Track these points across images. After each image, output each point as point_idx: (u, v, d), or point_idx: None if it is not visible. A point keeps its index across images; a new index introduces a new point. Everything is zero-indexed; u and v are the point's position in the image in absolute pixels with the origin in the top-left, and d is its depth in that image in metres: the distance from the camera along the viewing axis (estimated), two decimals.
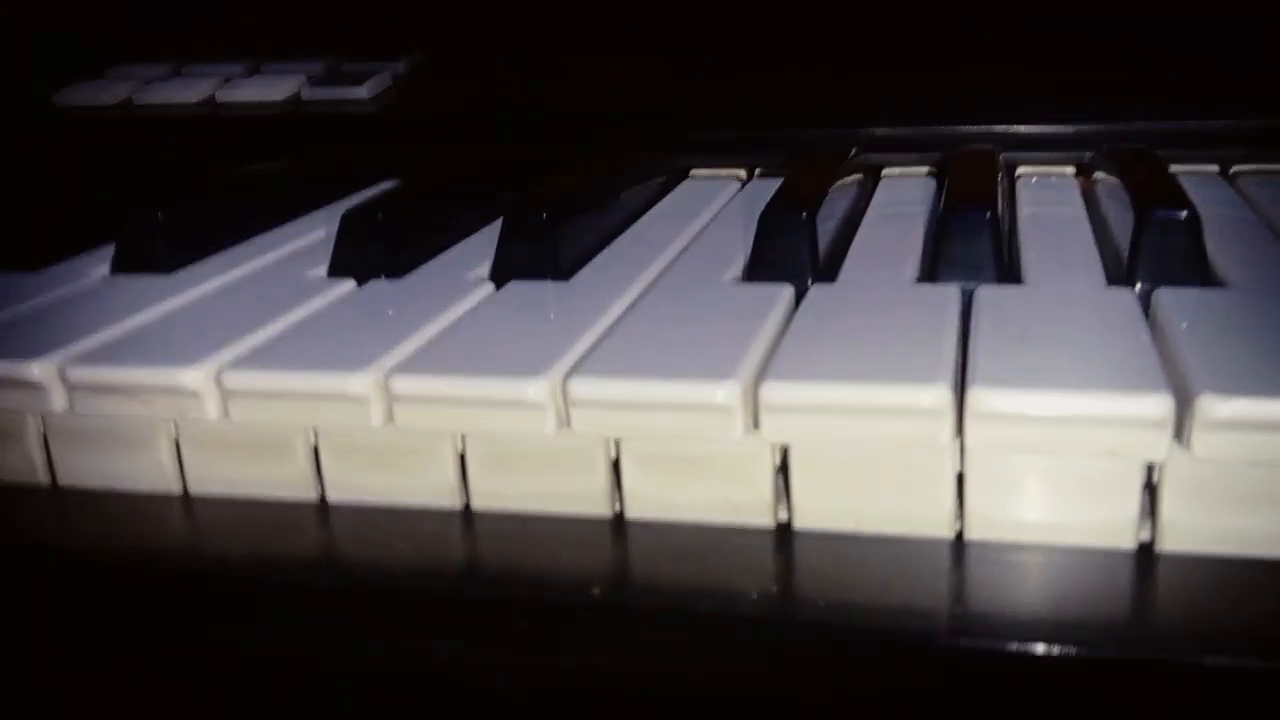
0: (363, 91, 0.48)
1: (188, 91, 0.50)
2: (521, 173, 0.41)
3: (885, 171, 0.40)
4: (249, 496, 0.26)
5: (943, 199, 0.30)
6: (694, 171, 0.42)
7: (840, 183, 0.35)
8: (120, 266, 0.33)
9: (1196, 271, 0.26)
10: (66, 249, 0.35)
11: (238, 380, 0.25)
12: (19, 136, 0.50)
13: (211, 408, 0.25)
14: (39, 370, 0.26)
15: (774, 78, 0.46)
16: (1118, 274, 0.28)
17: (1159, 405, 0.20)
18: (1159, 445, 0.21)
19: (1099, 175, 0.35)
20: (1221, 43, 0.42)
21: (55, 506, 0.27)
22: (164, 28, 0.56)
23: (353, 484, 0.25)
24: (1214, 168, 0.37)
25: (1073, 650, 0.20)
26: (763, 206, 0.30)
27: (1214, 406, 0.20)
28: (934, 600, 0.21)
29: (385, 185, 0.43)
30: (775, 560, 0.24)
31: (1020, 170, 0.39)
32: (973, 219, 0.28)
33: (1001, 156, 0.37)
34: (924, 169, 0.40)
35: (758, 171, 0.42)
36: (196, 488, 0.26)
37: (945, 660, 0.21)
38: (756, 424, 0.23)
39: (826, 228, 0.30)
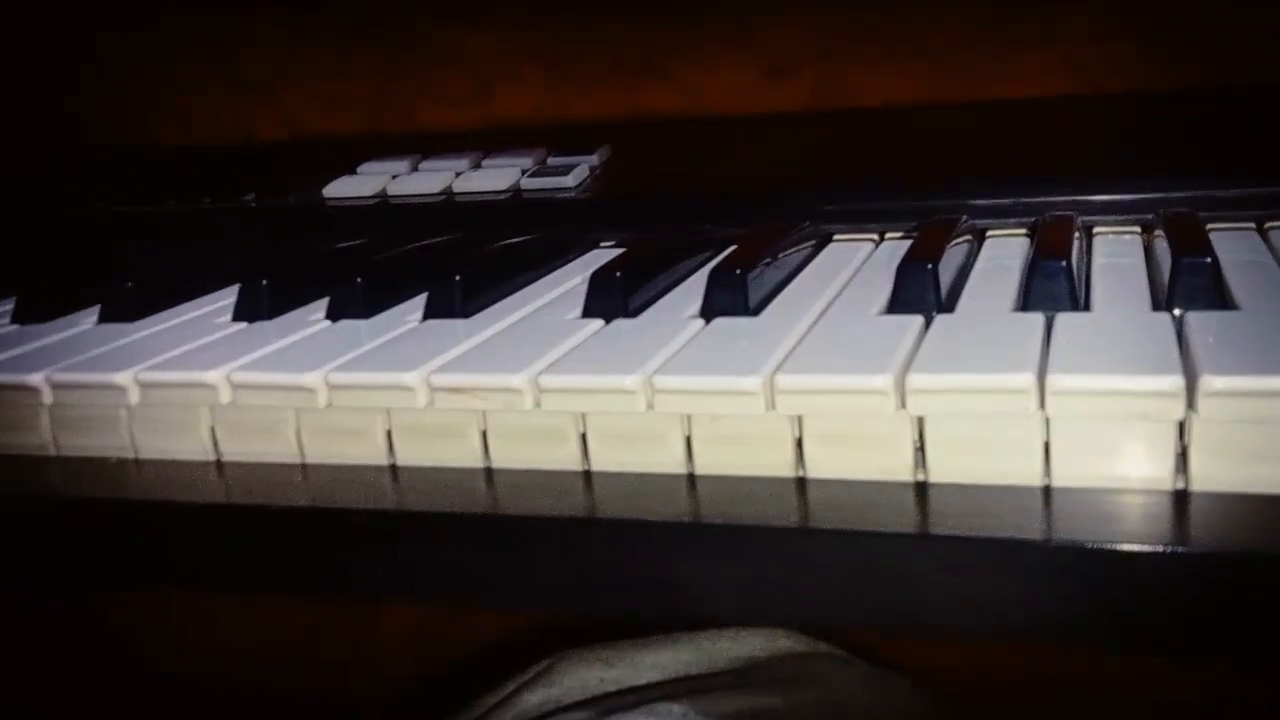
0: (569, 180, 0.60)
1: (429, 184, 0.63)
2: (704, 240, 0.53)
3: (990, 233, 0.51)
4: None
5: (1033, 253, 0.41)
6: (836, 236, 0.54)
7: (955, 242, 0.46)
8: (430, 315, 0.46)
9: (1216, 300, 0.37)
10: (377, 306, 0.48)
11: (551, 382, 0.37)
12: (299, 223, 0.64)
13: (528, 402, 0.37)
14: (412, 378, 0.38)
15: (897, 161, 0.57)
16: (1159, 303, 0.38)
17: (1173, 383, 0.31)
18: (1175, 410, 0.31)
19: (1156, 233, 0.45)
20: (1258, 124, 0.52)
21: (396, 479, 0.38)
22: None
23: (616, 459, 0.37)
24: (1250, 225, 0.47)
25: (1141, 546, 0.30)
26: (895, 262, 0.42)
27: (1211, 382, 0.31)
28: (1033, 524, 0.32)
29: (593, 253, 0.56)
30: (916, 504, 0.34)
31: (1097, 230, 0.50)
32: (1054, 266, 0.39)
33: (1080, 220, 0.47)
34: (1021, 231, 0.51)
35: (886, 236, 0.54)
36: (500, 463, 0.38)
37: (1046, 555, 0.31)
38: (903, 404, 0.34)
39: (946, 275, 0.42)
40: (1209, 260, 0.37)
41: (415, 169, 0.66)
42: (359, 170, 0.67)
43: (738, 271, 0.42)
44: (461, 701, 0.53)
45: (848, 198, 0.54)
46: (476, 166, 0.65)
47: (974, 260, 0.47)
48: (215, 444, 0.41)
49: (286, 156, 0.73)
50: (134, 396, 0.41)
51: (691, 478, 0.36)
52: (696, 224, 0.55)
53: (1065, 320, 0.37)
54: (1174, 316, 0.37)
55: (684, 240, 0.52)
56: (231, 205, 0.66)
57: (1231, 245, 0.43)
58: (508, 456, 0.38)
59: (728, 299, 0.42)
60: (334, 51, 0.75)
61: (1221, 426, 0.32)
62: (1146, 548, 0.31)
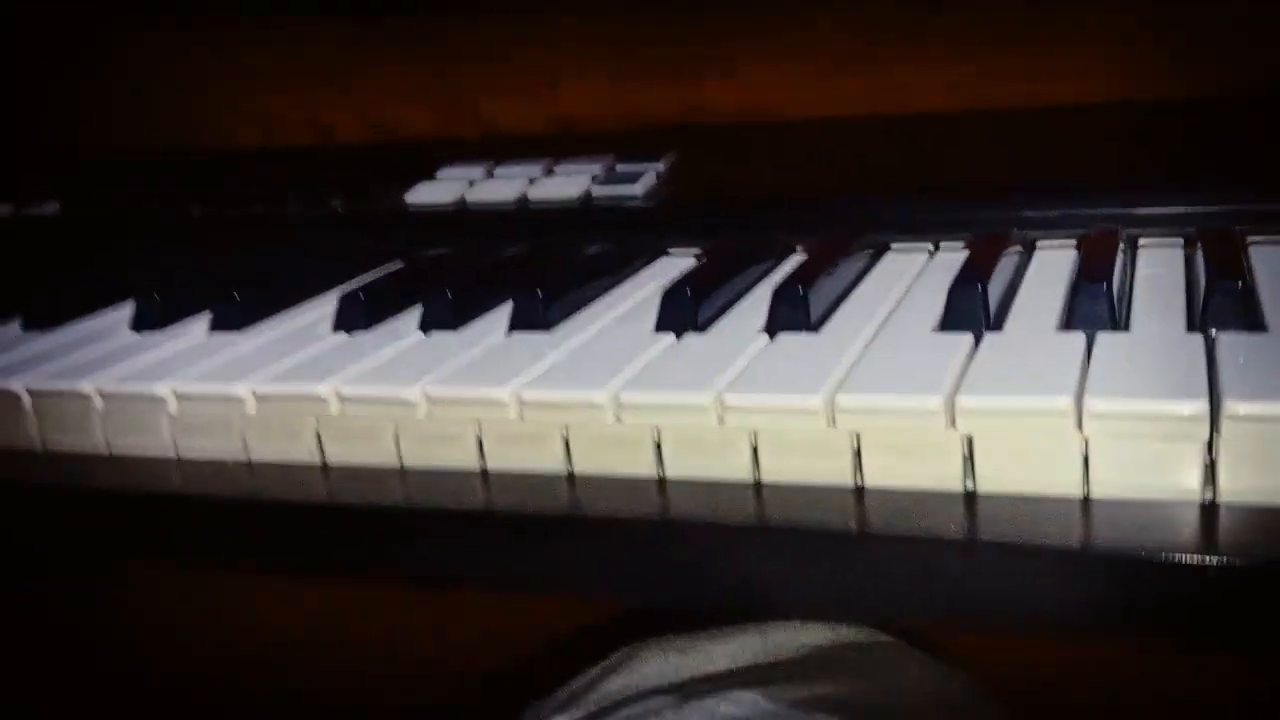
0: (636, 189, 0.64)
1: (505, 190, 0.67)
2: (767, 248, 0.56)
3: (1040, 244, 0.54)
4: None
5: (1076, 274, 0.44)
6: (894, 245, 0.57)
7: (1005, 253, 0.49)
8: (515, 327, 0.50)
9: (1247, 322, 0.40)
10: (466, 318, 0.52)
11: (631, 398, 0.40)
12: (384, 228, 0.68)
13: (610, 417, 0.41)
14: (503, 394, 0.42)
15: (950, 172, 0.60)
16: (1194, 323, 0.41)
17: (1198, 407, 0.34)
18: (1201, 432, 0.34)
19: (1198, 246, 0.48)
20: None
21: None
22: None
23: (689, 466, 0.41)
24: None
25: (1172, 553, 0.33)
26: (947, 275, 0.45)
27: (1235, 407, 0.34)
28: (1072, 530, 0.35)
29: (663, 260, 0.59)
30: (965, 512, 0.38)
31: (1142, 241, 0.52)
32: (1095, 290, 0.42)
33: (1124, 233, 0.50)
34: (1071, 242, 0.54)
35: (941, 245, 0.56)
36: (581, 469, 0.42)
37: (1080, 562, 0.35)
38: (953, 423, 0.37)
39: (995, 293, 0.45)
40: (1240, 284, 0.40)
41: (491, 175, 0.70)
42: (438, 175, 0.71)
43: (799, 290, 0.46)
44: (545, 689, 0.57)
45: (902, 208, 0.57)
46: (549, 173, 0.68)
47: (1023, 273, 0.50)
48: (321, 449, 0.46)
49: (363, 159, 0.77)
50: (250, 408, 0.46)
51: (758, 485, 0.40)
52: (759, 231, 0.59)
53: (1105, 341, 0.40)
54: (1207, 337, 0.39)
55: (748, 248, 0.56)
56: (320, 212, 0.70)
57: (1268, 263, 0.46)
58: (590, 462, 0.42)
59: (790, 315, 0.45)
60: (403, 50, 0.78)
61: (1247, 445, 0.35)
62: (1176, 555, 0.34)
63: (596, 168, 0.67)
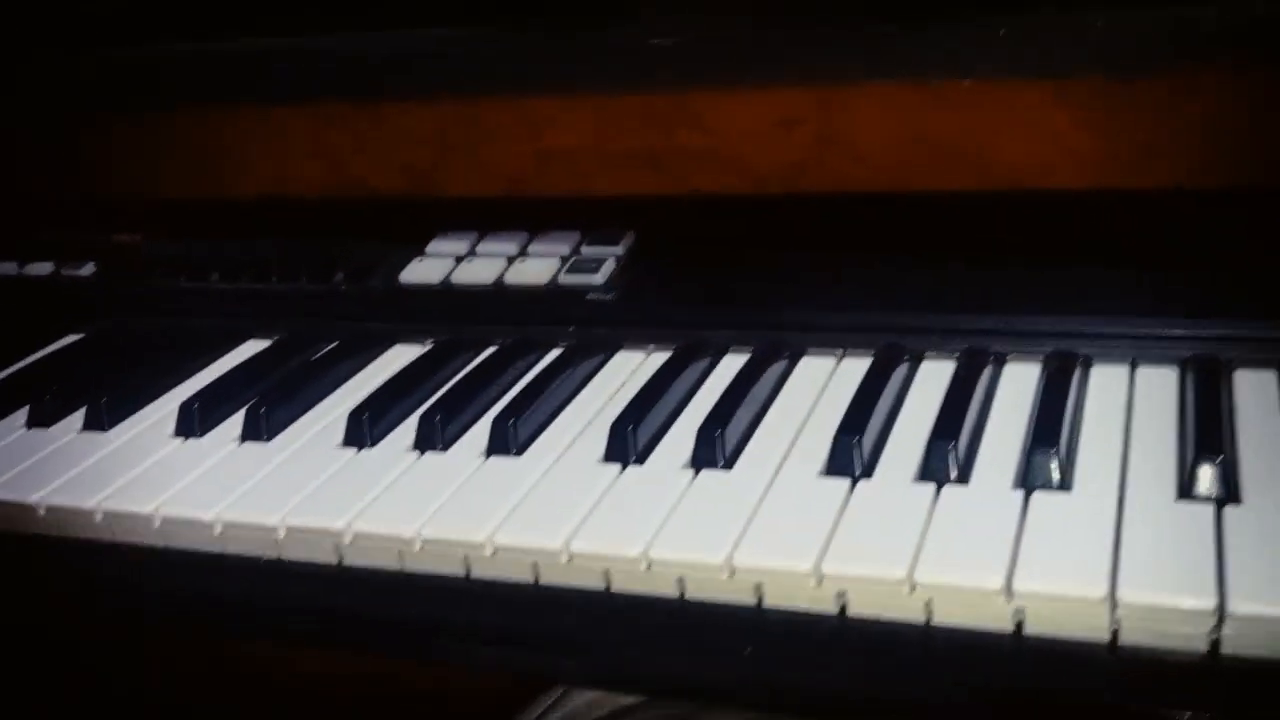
0: (598, 279, 0.74)
1: (485, 273, 0.77)
2: (706, 347, 0.67)
3: (1010, 359, 0.62)
4: None
5: (1030, 431, 0.55)
6: (810, 350, 0.67)
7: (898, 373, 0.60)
8: (491, 452, 0.61)
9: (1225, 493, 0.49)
10: (452, 438, 0.63)
11: (579, 547, 0.52)
12: (383, 308, 0.78)
13: (564, 559, 0.52)
14: (481, 535, 0.53)
15: (891, 261, 0.70)
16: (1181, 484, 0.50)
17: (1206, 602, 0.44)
18: (1205, 623, 0.43)
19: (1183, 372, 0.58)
20: None
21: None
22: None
23: (635, 588, 0.53)
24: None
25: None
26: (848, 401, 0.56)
27: (1241, 607, 0.43)
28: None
29: (617, 363, 0.69)
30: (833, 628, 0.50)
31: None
32: (1044, 453, 0.52)
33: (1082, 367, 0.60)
34: (1038, 359, 0.61)
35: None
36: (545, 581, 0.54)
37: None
38: (820, 584, 0.49)
39: (869, 442, 0.56)
40: (1220, 458, 0.49)
41: (474, 252, 0.80)
42: (427, 251, 0.80)
43: (718, 433, 0.57)
44: None
45: (824, 312, 0.67)
46: (524, 252, 0.78)
47: (991, 395, 0.59)
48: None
49: (358, 215, 0.87)
50: (282, 533, 0.57)
51: (682, 600, 0.52)
52: (700, 329, 0.69)
53: (1043, 503, 0.50)
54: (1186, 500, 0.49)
55: (687, 349, 0.67)
56: (325, 288, 0.80)
57: (1253, 404, 0.55)
58: (552, 578, 0.53)
59: (709, 454, 0.57)
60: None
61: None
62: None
63: (565, 248, 0.77)
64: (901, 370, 0.62)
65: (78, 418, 0.70)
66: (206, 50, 0.81)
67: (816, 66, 0.64)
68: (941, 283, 0.66)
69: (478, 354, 0.72)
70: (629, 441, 0.58)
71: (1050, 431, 0.53)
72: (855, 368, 0.64)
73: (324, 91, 0.80)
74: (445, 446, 0.62)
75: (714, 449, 0.57)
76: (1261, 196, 0.62)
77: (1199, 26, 0.56)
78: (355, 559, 0.57)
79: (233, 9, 0.79)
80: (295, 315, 0.79)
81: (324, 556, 0.57)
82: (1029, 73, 0.60)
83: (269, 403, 0.66)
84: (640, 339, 0.70)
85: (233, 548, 0.59)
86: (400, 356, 0.74)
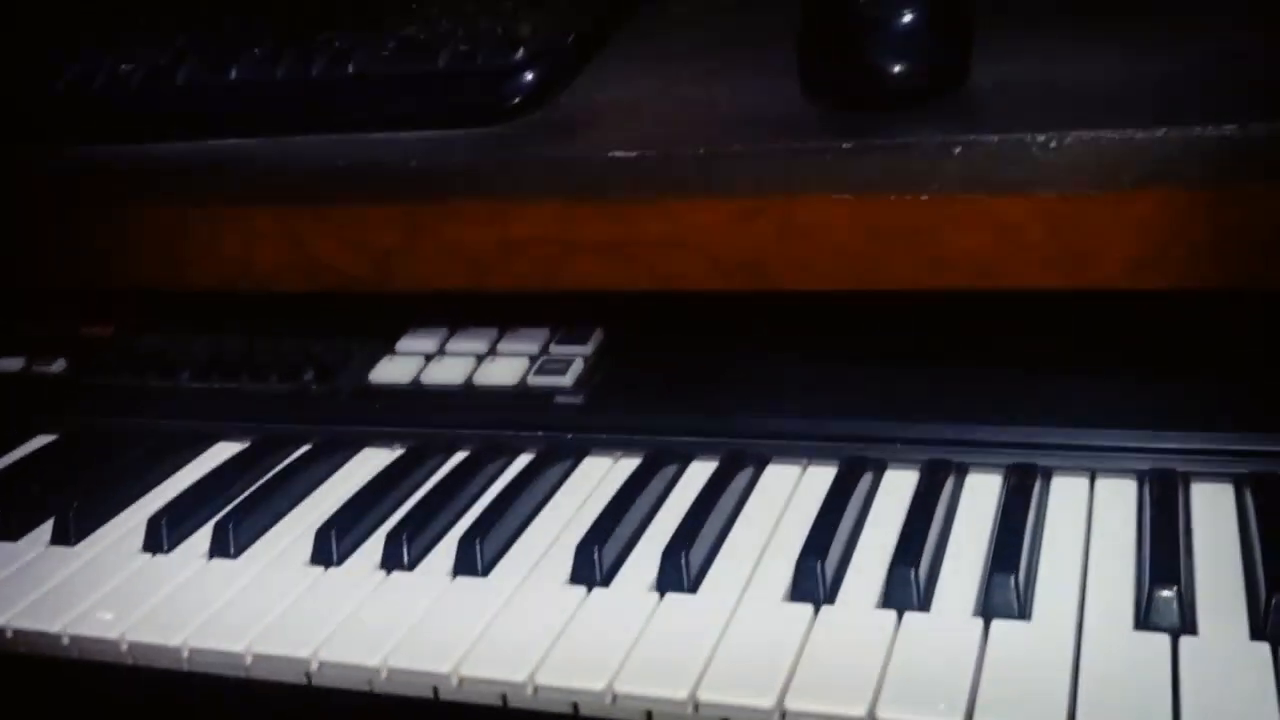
0: (566, 380, 0.74)
1: (453, 373, 0.77)
2: (674, 457, 0.67)
3: (971, 470, 0.63)
4: None
5: (989, 559, 0.56)
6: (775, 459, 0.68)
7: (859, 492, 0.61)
8: (458, 572, 0.61)
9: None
10: (418, 558, 0.63)
11: (543, 680, 0.52)
12: (352, 409, 0.78)
13: (529, 690, 0.53)
14: (446, 667, 0.54)
15: (854, 368, 0.70)
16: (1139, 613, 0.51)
17: None
18: None
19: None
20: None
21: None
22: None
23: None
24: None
25: None
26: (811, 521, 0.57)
27: None
28: None
29: (584, 470, 0.69)
30: None
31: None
32: (1001, 580, 0.52)
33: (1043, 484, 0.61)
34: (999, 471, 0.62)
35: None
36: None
37: None
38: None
39: (833, 566, 0.56)
40: (1175, 588, 0.50)
41: (442, 350, 0.80)
42: (397, 349, 0.81)
43: (683, 556, 0.57)
44: None
45: (790, 418, 0.68)
46: (493, 350, 0.79)
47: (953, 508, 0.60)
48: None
49: (326, 305, 0.87)
50: (249, 660, 0.57)
51: None
52: (666, 435, 0.70)
53: (1002, 633, 0.50)
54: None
55: (653, 458, 0.67)
56: (295, 387, 0.80)
57: (1210, 521, 0.56)
58: (521, 703, 0.54)
59: (674, 578, 0.57)
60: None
61: None
62: None
63: (534, 347, 0.78)
64: (865, 482, 0.63)
65: (45, 530, 0.70)
66: (164, 151, 0.82)
67: (770, 179, 0.65)
68: (905, 390, 0.67)
69: (446, 459, 0.72)
70: (594, 563, 0.58)
71: (1009, 558, 0.54)
72: (820, 477, 0.64)
73: (290, 192, 0.80)
74: (411, 565, 0.62)
75: (679, 573, 0.57)
76: (1218, 305, 0.63)
77: (1149, 152, 0.58)
78: (324, 681, 0.57)
79: (196, 114, 0.80)
80: (266, 416, 0.79)
81: (292, 678, 0.57)
82: (982, 189, 0.61)
83: (236, 518, 0.66)
84: (608, 445, 0.71)
85: (201, 668, 0.59)
86: (369, 461, 0.74)
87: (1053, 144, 0.59)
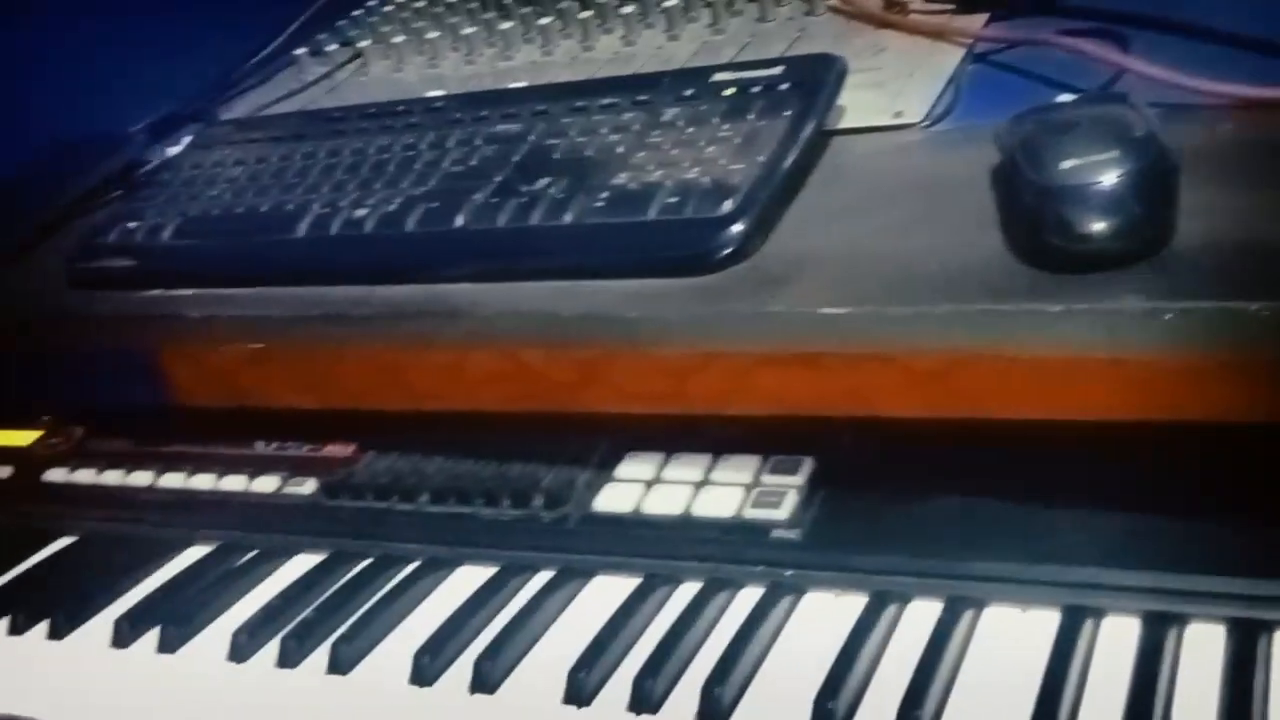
0: (781, 514, 0.79)
1: (671, 504, 0.83)
2: None
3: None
4: None
5: None
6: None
7: None
8: None
9: None
10: None
11: None
12: (582, 537, 0.85)
13: None
14: None
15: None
16: None
17: None
18: None
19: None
20: None
21: None
22: None
23: None
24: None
25: None
26: None
27: None
28: None
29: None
30: None
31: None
32: None
33: None
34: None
35: None
36: None
37: None
38: None
39: None
40: None
41: (659, 478, 0.85)
42: (615, 474, 0.87)
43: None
44: None
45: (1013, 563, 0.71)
46: (706, 480, 0.84)
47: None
48: None
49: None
50: None
51: None
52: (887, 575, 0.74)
53: None
54: None
55: (876, 600, 0.71)
56: (526, 514, 0.87)
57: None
58: None
59: None
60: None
61: None
62: None
63: (747, 476, 0.83)
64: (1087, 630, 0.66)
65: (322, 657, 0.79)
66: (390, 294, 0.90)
67: (977, 336, 0.69)
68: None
69: (673, 590, 0.78)
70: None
71: None
72: (1044, 621, 0.68)
73: (518, 335, 0.87)
74: (655, 709, 0.68)
75: None
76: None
77: None
78: None
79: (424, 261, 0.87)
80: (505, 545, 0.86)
81: None
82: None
83: (493, 651, 0.74)
84: (827, 582, 0.75)
85: None
86: (604, 591, 0.80)
87: (1265, 313, 0.61)
